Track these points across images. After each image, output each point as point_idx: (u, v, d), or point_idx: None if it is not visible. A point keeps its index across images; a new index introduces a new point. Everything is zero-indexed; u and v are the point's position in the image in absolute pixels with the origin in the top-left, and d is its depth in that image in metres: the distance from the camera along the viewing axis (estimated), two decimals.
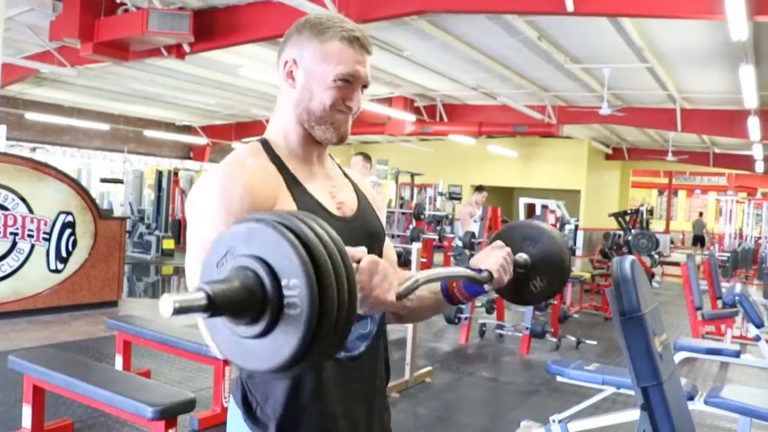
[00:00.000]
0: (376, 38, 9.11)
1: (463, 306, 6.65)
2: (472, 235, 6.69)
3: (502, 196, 19.96)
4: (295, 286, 0.80)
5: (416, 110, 14.33)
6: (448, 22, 8.50)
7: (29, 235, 6.27)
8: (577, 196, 17.70)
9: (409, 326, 4.89)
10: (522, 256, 1.48)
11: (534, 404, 4.65)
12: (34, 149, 12.89)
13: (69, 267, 6.59)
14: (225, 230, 1.09)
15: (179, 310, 0.76)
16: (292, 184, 1.28)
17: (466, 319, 6.52)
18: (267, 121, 9.45)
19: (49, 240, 6.40)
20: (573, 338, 6.53)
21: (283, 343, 0.80)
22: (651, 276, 11.17)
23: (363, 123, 15.81)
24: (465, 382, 5.22)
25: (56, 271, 6.49)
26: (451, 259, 8.64)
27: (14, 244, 6.18)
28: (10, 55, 10.54)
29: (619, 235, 11.25)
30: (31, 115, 14.99)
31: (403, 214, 7.74)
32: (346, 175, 1.46)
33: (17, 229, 6.18)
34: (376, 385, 1.37)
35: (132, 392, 2.94)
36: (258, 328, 0.82)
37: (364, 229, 1.36)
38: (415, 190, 16.60)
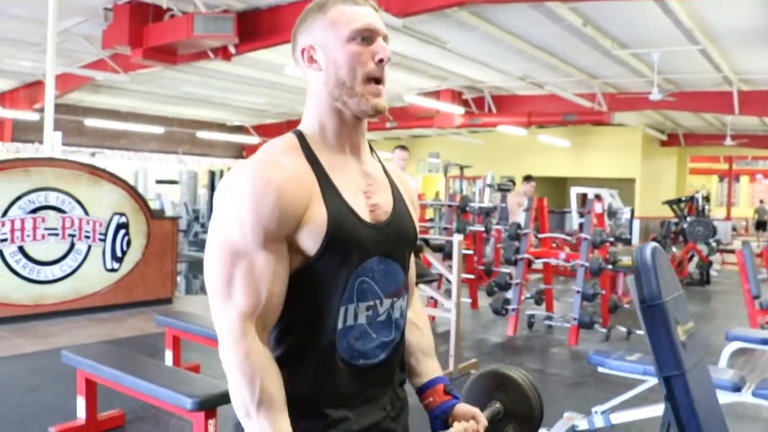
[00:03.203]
0: (418, 31, 9.09)
1: (510, 297, 6.61)
2: (518, 225, 6.62)
3: (554, 187, 19.65)
4: None
5: (464, 102, 14.23)
6: (490, 12, 8.41)
7: (86, 236, 6.53)
8: (632, 184, 17.28)
9: (453, 318, 4.89)
10: (495, 405, 1.51)
11: (580, 396, 4.59)
12: (93, 154, 13.37)
13: (124, 266, 6.83)
14: (251, 240, 1.15)
15: None
16: (325, 185, 1.23)
17: (513, 310, 6.48)
18: None
19: (104, 240, 6.66)
20: (623, 329, 6.40)
21: None
22: (708, 264, 10.82)
23: (411, 117, 15.80)
24: None
25: (112, 270, 6.74)
26: (501, 251, 8.57)
27: (72, 245, 6.45)
28: (67, 64, 10.97)
29: (675, 223, 10.94)
30: (90, 122, 15.53)
31: (449, 206, 7.69)
32: (386, 172, 1.39)
33: (75, 230, 6.44)
34: (393, 388, 1.37)
35: (174, 385, 3.05)
36: None
37: (394, 234, 1.31)
38: (465, 182, 16.46)
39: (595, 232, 6.14)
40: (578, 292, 6.12)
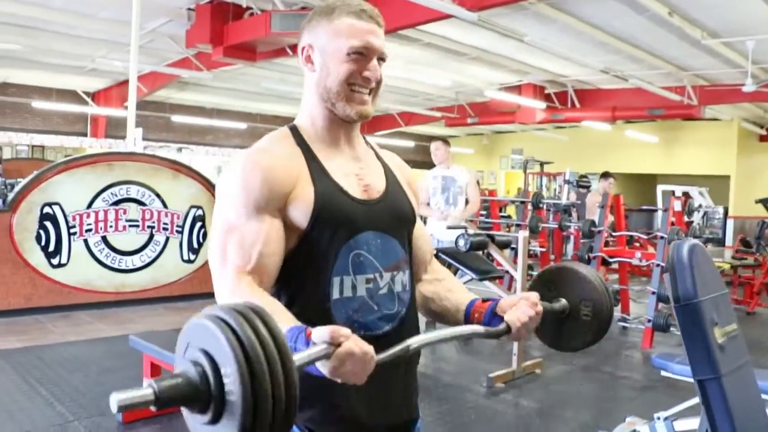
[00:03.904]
0: (495, 25, 8.96)
1: None
2: (592, 223, 6.41)
3: (642, 184, 18.93)
4: (230, 374, 0.84)
5: (547, 97, 13.91)
6: (569, 3, 8.18)
7: (164, 228, 6.82)
8: (727, 181, 16.39)
9: None
10: (562, 303, 1.43)
11: (647, 400, 4.40)
12: (180, 149, 13.91)
13: (200, 257, 7.09)
14: (243, 213, 1.22)
15: (124, 407, 0.82)
16: (315, 167, 1.31)
17: None
18: (398, 114, 9.74)
19: (181, 232, 6.93)
20: None
21: (230, 426, 0.85)
22: None
23: (492, 112, 15.59)
24: (577, 376, 5.04)
25: (189, 261, 7.01)
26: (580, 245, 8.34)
27: (151, 236, 6.76)
28: (154, 63, 11.48)
29: None
30: (176, 118, 16.20)
31: (522, 203, 7.54)
32: (379, 157, 1.47)
33: (153, 222, 6.74)
34: (400, 364, 1.36)
35: None
36: (208, 416, 0.87)
37: (388, 211, 1.37)
38: (545, 179, 16.10)
39: (672, 231, 5.86)
40: (653, 293, 5.86)
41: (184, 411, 0.91)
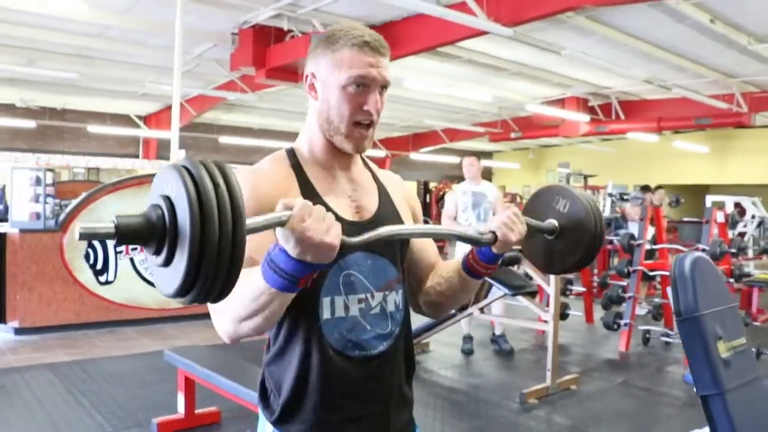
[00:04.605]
0: (533, 39, 8.94)
1: (621, 311, 6.31)
2: (631, 236, 6.31)
3: (693, 195, 18.40)
4: (182, 215, 0.89)
5: (591, 110, 13.77)
6: (607, 15, 8.12)
7: None
8: None
9: (550, 331, 4.75)
10: (551, 222, 1.44)
11: (685, 418, 4.29)
12: None
13: None
14: None
15: (86, 236, 0.89)
16: (305, 189, 1.33)
17: (625, 325, 6.17)
18: (443, 131, 9.78)
19: None
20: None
21: (179, 268, 0.90)
22: None
23: (536, 126, 15.51)
24: (615, 392, 4.94)
25: None
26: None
27: None
28: (201, 86, 11.83)
29: None
30: (224, 139, 16.60)
31: None
32: (375, 178, 1.48)
33: None
34: (395, 384, 1.40)
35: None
36: (162, 256, 0.93)
37: None
38: (589, 192, 15.84)
39: (714, 243, 5.72)
40: None
41: (145, 253, 0.96)
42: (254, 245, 1.25)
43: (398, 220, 1.43)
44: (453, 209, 5.79)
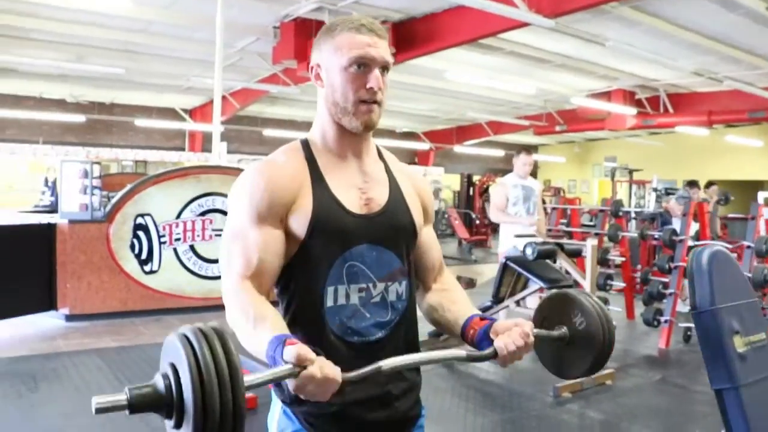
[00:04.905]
0: (576, 30, 8.81)
1: (662, 308, 6.20)
2: (673, 232, 6.18)
3: (745, 191, 17.87)
4: (186, 385, 0.98)
5: (638, 103, 13.50)
6: (653, 5, 7.96)
7: None
8: None
9: None
10: (561, 330, 1.44)
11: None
12: None
13: None
14: (246, 221, 1.34)
15: (102, 410, 0.98)
16: (317, 182, 1.39)
17: (666, 321, 6.06)
18: (487, 123, 9.76)
19: None
20: None
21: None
22: None
23: (582, 119, 15.29)
24: (651, 388, 4.88)
25: None
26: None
27: None
28: (245, 80, 12.02)
29: None
30: (267, 132, 16.82)
31: (601, 211, 7.36)
32: (388, 170, 1.51)
33: None
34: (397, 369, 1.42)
35: None
36: (173, 420, 1.02)
37: (387, 225, 1.42)
38: (634, 187, 15.54)
39: (760, 240, 5.57)
40: None
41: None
42: (261, 245, 1.33)
43: (406, 214, 1.47)
44: (503, 201, 5.79)
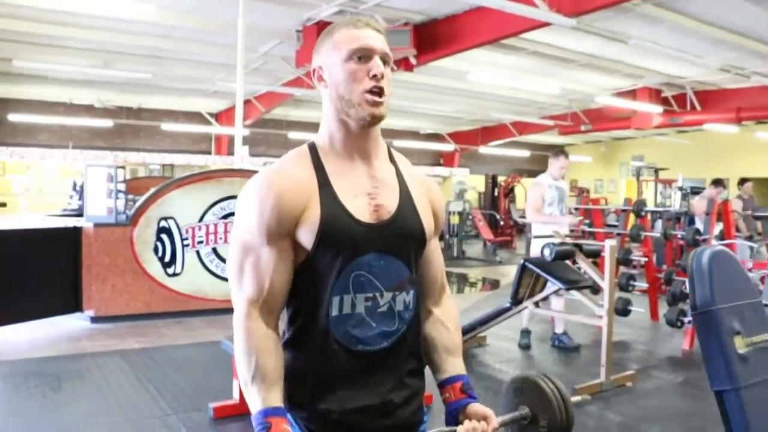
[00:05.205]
0: (599, 29, 8.73)
1: (686, 308, 6.11)
2: (696, 231, 6.09)
3: None
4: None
5: (664, 101, 13.31)
6: (677, 1, 7.84)
7: None
8: None
9: (605, 326, 4.67)
10: (524, 410, 1.54)
11: None
12: None
13: None
14: (257, 236, 1.35)
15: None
16: (325, 190, 1.37)
17: (689, 322, 5.97)
18: (511, 124, 9.73)
19: None
20: None
21: None
22: None
23: (606, 118, 15.13)
24: (673, 391, 4.81)
25: None
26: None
27: None
28: (270, 83, 12.12)
29: None
30: (293, 134, 16.93)
31: (623, 211, 7.28)
32: (398, 173, 1.48)
33: None
34: (396, 378, 1.45)
35: None
36: None
37: (396, 232, 1.41)
38: (660, 186, 15.34)
39: None
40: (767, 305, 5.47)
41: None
42: (273, 266, 1.35)
43: (417, 221, 1.44)
44: (540, 202, 5.77)
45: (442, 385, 1.50)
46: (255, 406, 1.30)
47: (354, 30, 1.38)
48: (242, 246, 1.38)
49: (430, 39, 8.98)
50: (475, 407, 1.44)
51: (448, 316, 1.57)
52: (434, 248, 1.55)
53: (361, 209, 1.38)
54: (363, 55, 1.36)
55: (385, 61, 1.39)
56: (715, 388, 1.63)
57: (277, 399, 1.32)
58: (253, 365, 1.32)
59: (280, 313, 1.40)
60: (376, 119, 1.38)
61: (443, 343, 1.53)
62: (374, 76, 1.36)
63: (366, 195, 1.39)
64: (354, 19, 1.41)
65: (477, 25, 8.45)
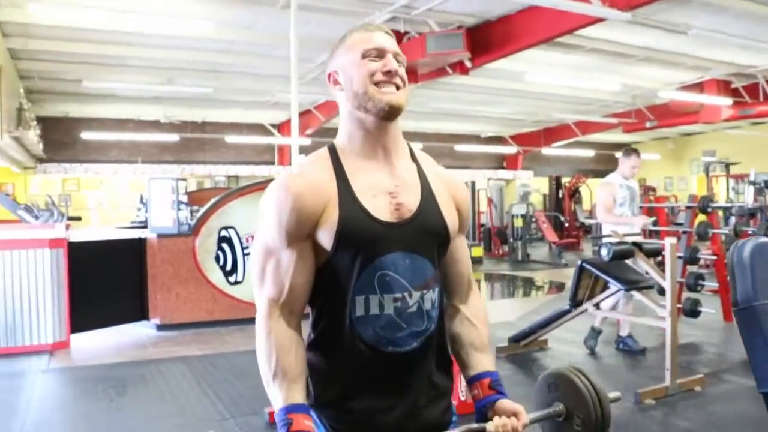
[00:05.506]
0: (656, 20, 8.44)
1: None
2: None
3: None
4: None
5: (734, 92, 12.77)
6: None
7: None
8: None
9: (668, 328, 4.50)
10: (558, 407, 1.49)
11: None
12: None
13: None
14: (277, 239, 1.37)
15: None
16: (344, 191, 1.38)
17: None
18: (574, 123, 9.58)
19: None
20: None
21: None
22: None
23: (672, 114, 14.64)
24: (744, 396, 4.56)
25: None
26: None
27: None
28: (328, 93, 12.22)
29: None
30: None
31: (689, 208, 7.00)
32: (420, 171, 1.48)
33: None
34: (425, 377, 1.45)
35: None
36: None
37: (420, 231, 1.41)
38: (732, 181, 14.69)
39: None
40: None
41: None
42: (293, 268, 1.37)
43: (439, 219, 1.44)
44: (611, 201, 5.64)
45: (471, 382, 1.48)
46: (277, 403, 1.32)
47: (366, 32, 1.44)
48: (263, 248, 1.40)
49: (484, 41, 8.91)
50: (505, 403, 1.42)
51: (474, 313, 1.55)
52: (460, 245, 1.54)
53: (381, 208, 1.38)
54: (377, 54, 1.40)
55: (397, 60, 1.41)
56: (762, 389, 1.55)
57: (298, 396, 1.33)
58: (273, 363, 1.34)
59: (302, 312, 1.41)
60: (394, 109, 1.38)
61: (470, 340, 1.51)
62: (388, 71, 1.38)
63: (387, 194, 1.40)
64: (365, 24, 1.46)
65: (530, 25, 8.34)
